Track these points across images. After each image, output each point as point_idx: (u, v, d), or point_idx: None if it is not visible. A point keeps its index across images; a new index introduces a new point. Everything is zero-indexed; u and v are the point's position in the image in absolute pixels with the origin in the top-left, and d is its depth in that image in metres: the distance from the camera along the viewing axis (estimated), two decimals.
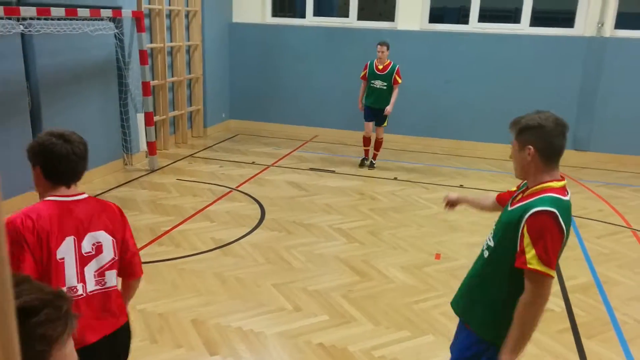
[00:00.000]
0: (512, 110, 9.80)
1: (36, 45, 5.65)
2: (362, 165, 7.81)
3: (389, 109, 7.34)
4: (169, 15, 8.21)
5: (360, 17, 9.44)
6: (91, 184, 6.33)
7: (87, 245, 2.02)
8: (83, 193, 2.08)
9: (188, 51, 8.79)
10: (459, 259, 4.84)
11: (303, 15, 9.67)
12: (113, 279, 2.11)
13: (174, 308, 3.88)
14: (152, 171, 7.20)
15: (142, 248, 4.81)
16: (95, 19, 6.15)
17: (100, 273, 2.06)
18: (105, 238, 2.07)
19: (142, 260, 4.88)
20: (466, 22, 8.94)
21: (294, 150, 8.65)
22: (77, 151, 1.95)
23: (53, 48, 5.84)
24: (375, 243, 5.16)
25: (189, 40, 8.74)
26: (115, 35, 6.68)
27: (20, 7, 5.11)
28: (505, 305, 2.06)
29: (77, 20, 5.83)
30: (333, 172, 7.52)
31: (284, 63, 9.58)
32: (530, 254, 1.92)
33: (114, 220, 2.12)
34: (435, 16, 9.41)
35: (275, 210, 5.91)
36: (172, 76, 8.45)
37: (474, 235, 5.40)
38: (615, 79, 8.19)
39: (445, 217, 5.89)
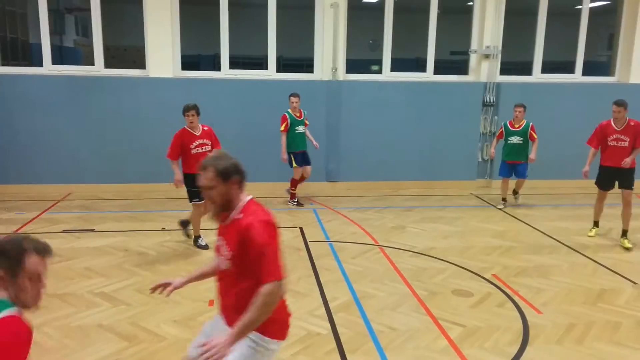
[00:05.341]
0: (267, 149, 10.19)
1: None
2: None
3: None
4: None
5: (110, 65, 9.02)
6: None
7: None
8: None
9: None
10: None
11: (40, 64, 8.78)
12: None
13: None
14: None
15: None
16: None
17: None
18: None
19: None
20: (220, 68, 9.24)
21: (43, 212, 7.67)
22: None
23: None
24: (143, 301, 4.82)
25: None
26: None
27: None
28: None
29: None
30: (92, 230, 6.88)
31: (18, 117, 8.54)
32: None
33: None
34: (191, 63, 9.53)
35: None
36: None
37: None
38: (352, 115, 9.34)
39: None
